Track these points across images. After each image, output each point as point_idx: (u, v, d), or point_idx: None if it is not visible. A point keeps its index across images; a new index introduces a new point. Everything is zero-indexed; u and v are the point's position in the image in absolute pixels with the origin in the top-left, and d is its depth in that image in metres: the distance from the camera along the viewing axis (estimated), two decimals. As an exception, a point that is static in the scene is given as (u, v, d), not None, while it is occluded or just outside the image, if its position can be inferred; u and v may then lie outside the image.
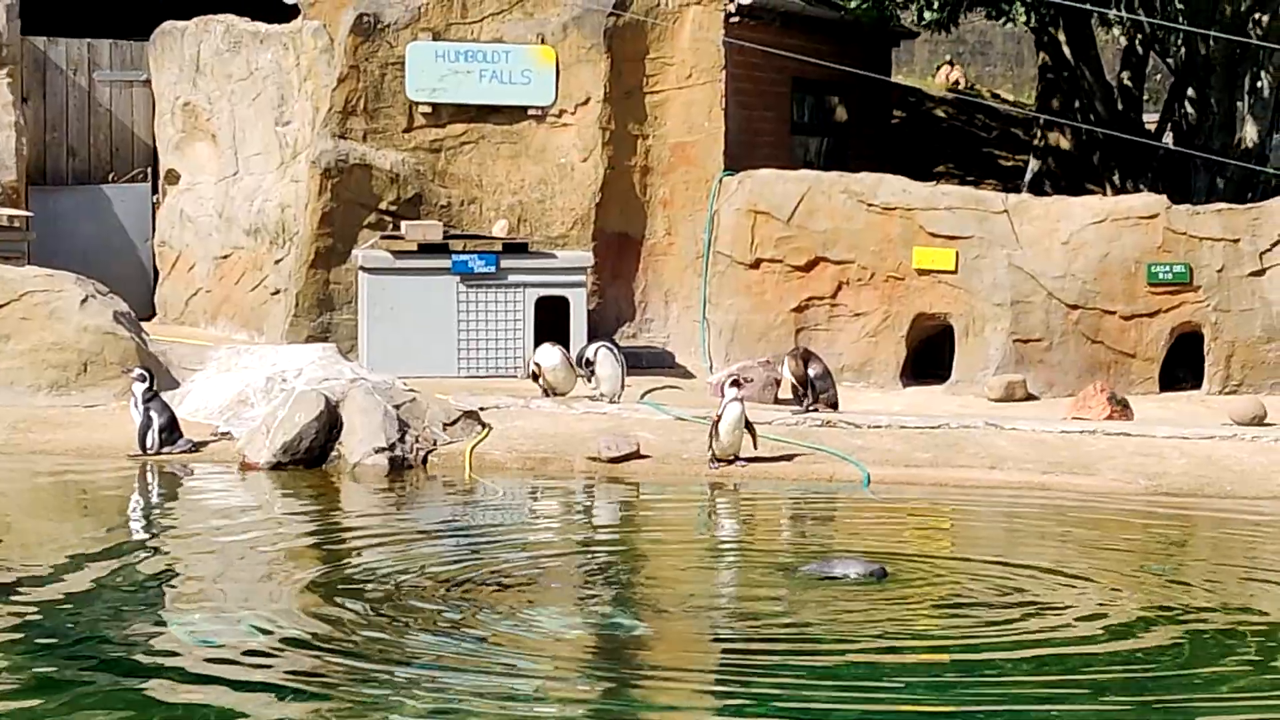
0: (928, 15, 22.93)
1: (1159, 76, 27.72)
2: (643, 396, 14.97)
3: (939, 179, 22.13)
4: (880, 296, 16.73)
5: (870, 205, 16.72)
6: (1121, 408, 14.98)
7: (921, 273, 16.61)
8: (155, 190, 19.33)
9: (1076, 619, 9.01)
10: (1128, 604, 9.38)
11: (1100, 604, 9.34)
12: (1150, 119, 24.23)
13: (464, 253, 16.26)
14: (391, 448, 13.00)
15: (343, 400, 13.27)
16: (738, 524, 12.33)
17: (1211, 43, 20.38)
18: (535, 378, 14.96)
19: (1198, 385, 16.49)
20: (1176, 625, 8.96)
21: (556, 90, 17.18)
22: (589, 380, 14.81)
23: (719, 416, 12.92)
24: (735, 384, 13.08)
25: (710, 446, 12.96)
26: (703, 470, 12.97)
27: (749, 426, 12.92)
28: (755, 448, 12.99)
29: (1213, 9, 20.36)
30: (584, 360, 14.90)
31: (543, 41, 17.15)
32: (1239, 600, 9.70)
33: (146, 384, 13.28)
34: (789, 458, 13.18)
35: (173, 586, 9.60)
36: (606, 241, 17.29)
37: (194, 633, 8.42)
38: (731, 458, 12.95)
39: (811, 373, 14.82)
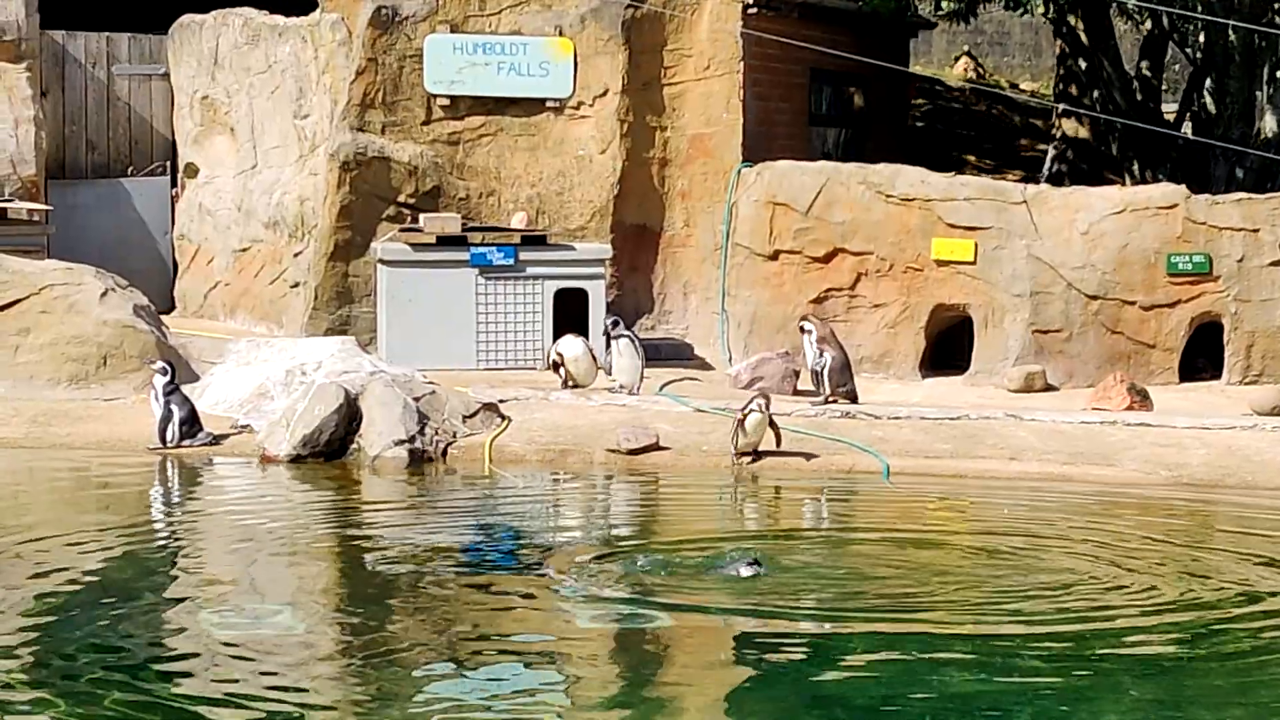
0: (946, 6, 22.90)
1: (1178, 66, 27.65)
2: (661, 388, 14.96)
3: (958, 170, 22.10)
4: (899, 288, 16.71)
5: (889, 196, 16.70)
6: (1141, 398, 14.95)
7: (940, 264, 16.58)
8: (174, 184, 19.36)
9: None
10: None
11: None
12: (1169, 109, 24.17)
13: (482, 245, 16.25)
14: (411, 440, 13.01)
15: (362, 393, 13.28)
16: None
17: (1231, 32, 20.32)
18: (556, 368, 14.94)
19: (1218, 375, 16.45)
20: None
21: (574, 82, 17.18)
22: (608, 349, 14.80)
23: (743, 417, 12.92)
24: (763, 397, 13.05)
25: (734, 442, 12.95)
26: (723, 462, 12.96)
27: (773, 424, 12.92)
28: (779, 445, 12.98)
29: (1231, -2, 20.30)
30: (605, 330, 14.91)
31: (560, 33, 17.14)
32: None
33: (168, 377, 13.30)
34: (810, 450, 13.16)
35: (194, 580, 9.61)
36: (625, 233, 17.28)
37: (216, 626, 8.43)
38: (753, 451, 12.95)
39: (829, 357, 14.82)
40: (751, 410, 12.87)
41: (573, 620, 8.74)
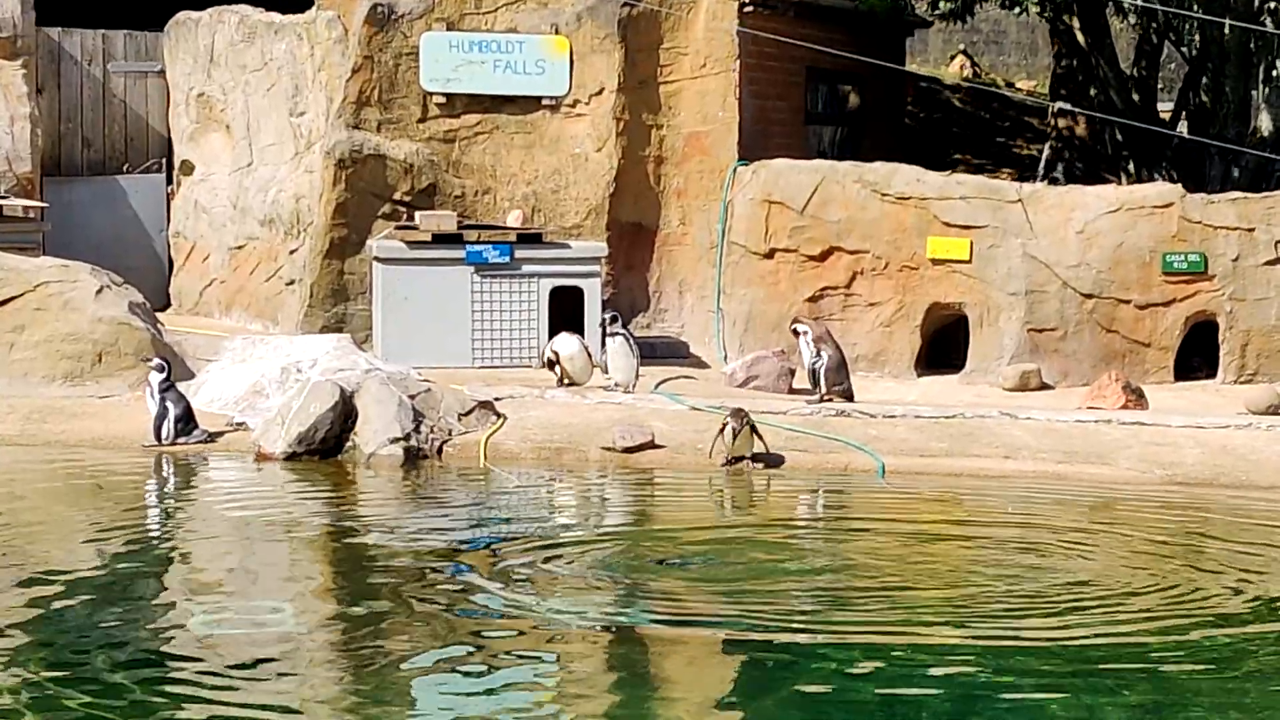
0: (942, 5, 22.90)
1: (1174, 65, 27.66)
2: (657, 386, 14.97)
3: (954, 168, 22.10)
4: (894, 286, 16.72)
5: (884, 195, 16.71)
6: (1136, 397, 14.96)
7: (936, 262, 16.59)
8: (170, 181, 19.37)
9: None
10: None
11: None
12: (1165, 108, 24.18)
13: (478, 243, 16.25)
14: (406, 438, 13.01)
15: (358, 391, 13.28)
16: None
17: (1226, 31, 20.33)
18: (551, 366, 14.93)
19: (1213, 374, 16.47)
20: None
21: (570, 80, 17.18)
22: (604, 344, 14.80)
23: (721, 430, 12.91)
24: (734, 415, 12.98)
25: (712, 450, 12.91)
26: (717, 460, 12.95)
27: (755, 430, 12.90)
28: (765, 450, 12.97)
29: (1227, -3, 20.31)
30: (602, 323, 14.91)
31: (557, 31, 17.15)
32: None
33: (164, 374, 13.30)
34: (805, 449, 13.16)
35: (189, 578, 9.62)
36: (621, 232, 17.29)
37: (210, 624, 8.44)
38: (742, 456, 12.94)
39: (826, 355, 14.81)
40: (727, 426, 12.87)
41: (537, 618, 8.73)
